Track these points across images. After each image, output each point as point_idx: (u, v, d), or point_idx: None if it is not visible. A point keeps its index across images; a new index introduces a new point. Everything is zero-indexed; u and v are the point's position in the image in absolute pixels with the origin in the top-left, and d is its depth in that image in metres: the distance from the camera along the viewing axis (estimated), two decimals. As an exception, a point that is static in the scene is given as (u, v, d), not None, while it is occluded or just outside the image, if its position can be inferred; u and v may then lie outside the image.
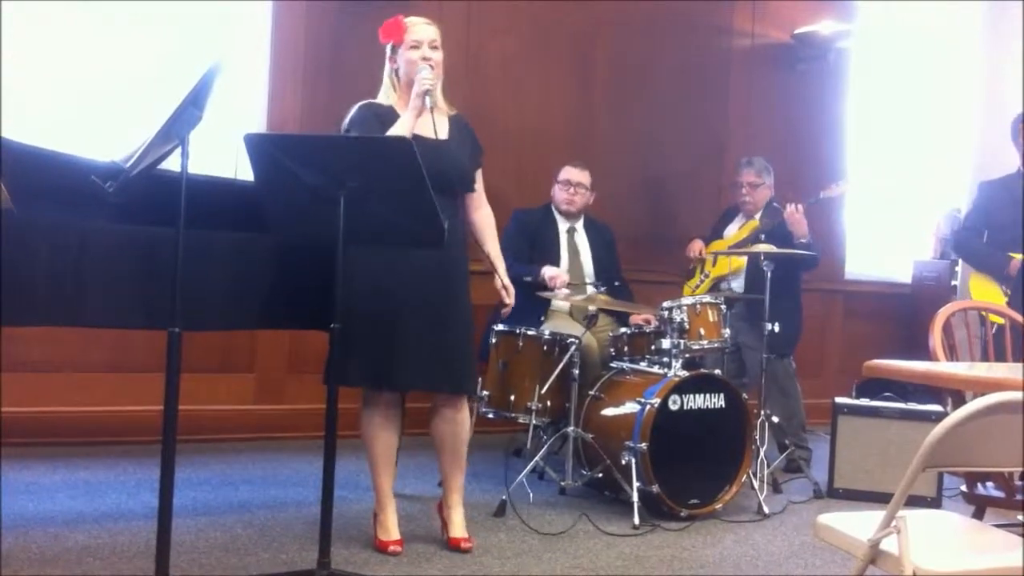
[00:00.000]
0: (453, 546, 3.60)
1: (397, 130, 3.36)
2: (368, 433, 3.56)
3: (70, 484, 4.22)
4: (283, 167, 2.90)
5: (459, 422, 3.62)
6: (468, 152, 3.67)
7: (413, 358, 3.44)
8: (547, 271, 4.83)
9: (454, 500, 3.67)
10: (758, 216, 5.46)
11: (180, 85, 2.66)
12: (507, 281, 3.77)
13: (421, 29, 3.54)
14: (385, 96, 3.60)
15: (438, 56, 3.52)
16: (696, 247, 5.58)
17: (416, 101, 3.40)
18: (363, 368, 3.40)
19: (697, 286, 5.53)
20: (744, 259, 5.29)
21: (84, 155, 3.19)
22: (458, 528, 3.64)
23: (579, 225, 5.24)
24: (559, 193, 5.19)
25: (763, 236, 5.26)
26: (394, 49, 3.58)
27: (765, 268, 4.73)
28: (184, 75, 4.84)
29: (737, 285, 5.40)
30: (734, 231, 5.56)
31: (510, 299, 3.78)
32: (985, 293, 5.26)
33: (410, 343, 3.43)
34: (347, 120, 3.54)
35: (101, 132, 4.90)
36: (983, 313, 3.99)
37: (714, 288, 5.46)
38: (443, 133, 3.55)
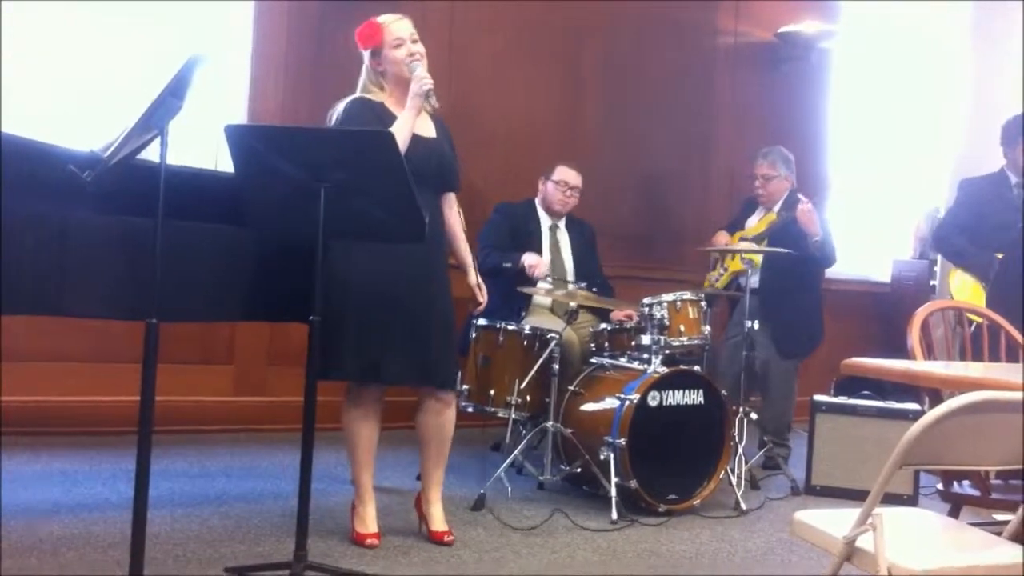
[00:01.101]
0: (435, 540, 3.61)
1: (399, 129, 3.31)
2: (351, 427, 3.55)
3: (46, 474, 4.20)
4: (263, 159, 2.88)
5: (447, 417, 3.63)
6: (452, 151, 3.68)
7: (401, 353, 3.43)
8: (527, 258, 4.82)
9: (433, 495, 3.68)
10: (776, 209, 5.38)
11: (160, 81, 2.64)
12: (479, 279, 3.80)
13: (399, 26, 3.52)
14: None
15: (422, 48, 3.52)
16: (721, 239, 5.45)
17: (416, 100, 3.39)
18: (351, 362, 3.40)
19: (716, 279, 5.50)
20: (760, 255, 5.17)
21: (63, 144, 3.16)
22: (439, 522, 3.65)
23: (561, 223, 5.24)
24: (554, 193, 5.16)
25: (752, 239, 5.24)
26: (375, 53, 3.55)
27: (749, 271, 4.75)
28: (164, 74, 4.80)
29: (754, 280, 5.26)
30: (753, 223, 5.48)
31: (483, 297, 3.82)
32: (968, 292, 5.25)
33: (397, 338, 3.43)
34: (339, 112, 3.48)
35: (98, 132, 4.84)
36: (961, 312, 3.99)
37: (732, 283, 5.43)
38: (431, 131, 3.57)
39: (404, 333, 3.43)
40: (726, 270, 5.47)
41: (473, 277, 3.80)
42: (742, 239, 5.35)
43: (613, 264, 5.47)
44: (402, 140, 3.28)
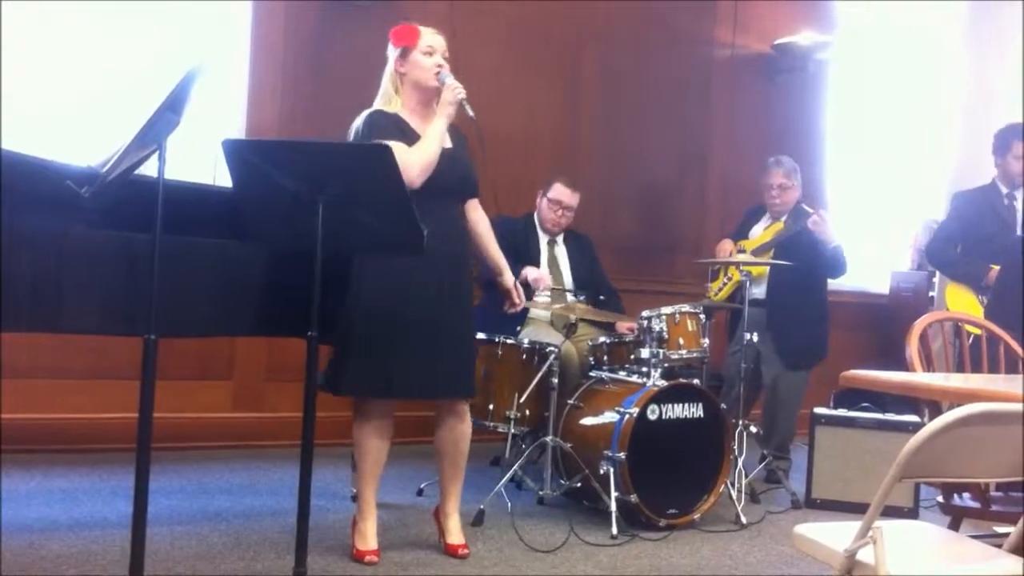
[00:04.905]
0: (450, 552, 3.64)
1: (431, 137, 3.42)
2: (362, 443, 3.54)
3: (45, 491, 4.18)
4: (261, 173, 2.88)
5: (461, 431, 3.65)
6: (469, 158, 3.70)
7: (412, 367, 3.43)
8: (530, 272, 4.81)
9: (451, 508, 3.70)
10: (784, 219, 5.34)
11: (157, 87, 2.64)
12: (514, 281, 3.86)
13: (435, 37, 3.58)
14: (386, 102, 3.58)
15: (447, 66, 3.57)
16: (726, 248, 5.39)
17: (450, 109, 3.47)
18: (361, 378, 3.41)
19: (720, 289, 5.47)
20: (767, 266, 5.16)
21: (61, 159, 3.16)
22: (455, 535, 3.67)
23: (559, 238, 5.22)
24: (546, 211, 5.14)
25: (758, 249, 5.22)
26: (404, 53, 3.56)
27: (748, 283, 4.75)
28: (161, 77, 4.82)
29: (759, 291, 5.28)
30: (759, 233, 5.44)
31: (521, 299, 3.87)
32: (962, 303, 5.28)
33: (409, 351, 3.42)
34: (362, 127, 3.48)
35: (96, 134, 4.87)
36: (959, 324, 4.00)
37: (736, 293, 5.38)
38: (448, 141, 3.58)
39: (416, 346, 3.43)
40: (730, 279, 5.43)
41: (510, 278, 3.85)
42: (740, 250, 5.30)
43: (607, 275, 5.46)
44: (435, 150, 3.41)
